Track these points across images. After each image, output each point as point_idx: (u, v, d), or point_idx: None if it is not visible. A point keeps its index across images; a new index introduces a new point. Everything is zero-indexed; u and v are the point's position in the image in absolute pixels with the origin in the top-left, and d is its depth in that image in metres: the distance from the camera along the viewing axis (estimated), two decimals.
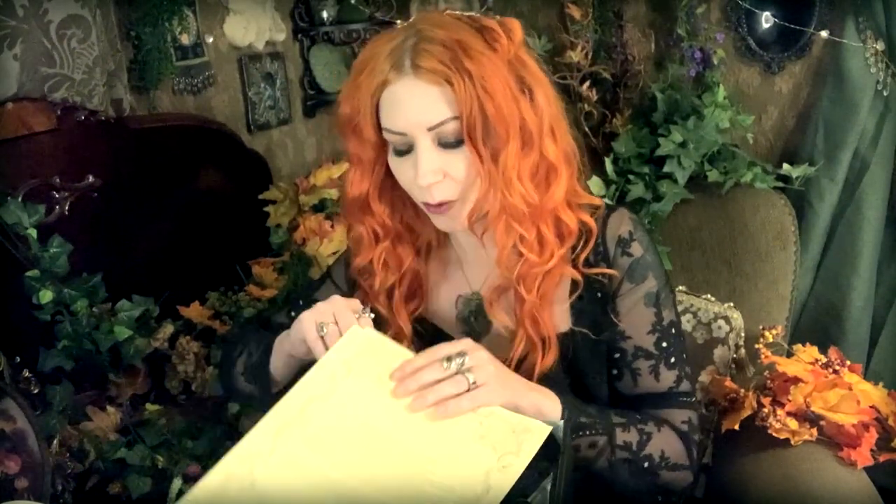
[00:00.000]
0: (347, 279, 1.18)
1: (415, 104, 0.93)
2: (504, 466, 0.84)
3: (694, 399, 1.08)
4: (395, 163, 0.99)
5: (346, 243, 1.20)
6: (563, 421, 0.91)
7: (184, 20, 1.67)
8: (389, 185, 1.03)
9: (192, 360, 1.41)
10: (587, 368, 1.06)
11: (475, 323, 1.09)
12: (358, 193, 1.03)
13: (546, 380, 1.01)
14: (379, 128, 0.97)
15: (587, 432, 0.97)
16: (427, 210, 1.01)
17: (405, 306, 1.09)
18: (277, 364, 1.08)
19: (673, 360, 1.05)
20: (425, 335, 1.09)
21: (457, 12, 1.00)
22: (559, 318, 1.05)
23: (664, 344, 1.05)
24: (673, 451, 1.03)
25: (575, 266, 1.03)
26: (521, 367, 1.02)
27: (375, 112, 0.96)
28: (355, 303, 0.99)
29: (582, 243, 1.04)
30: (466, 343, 0.93)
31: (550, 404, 0.95)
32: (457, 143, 0.94)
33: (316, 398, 0.89)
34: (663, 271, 1.07)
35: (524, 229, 0.98)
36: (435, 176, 0.95)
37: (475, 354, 0.91)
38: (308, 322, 0.97)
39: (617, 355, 1.06)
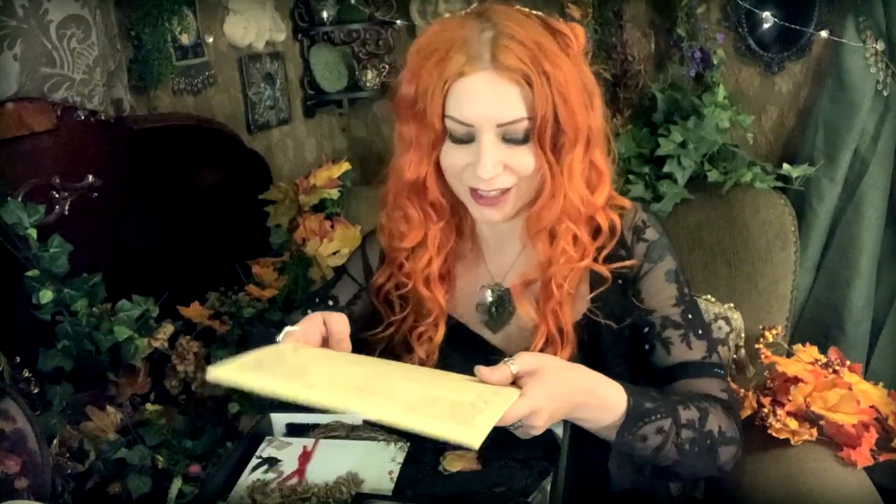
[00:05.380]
0: (365, 270, 1.19)
1: (489, 99, 0.93)
2: (486, 401, 0.82)
3: (724, 372, 1.08)
4: (449, 147, 0.99)
5: (345, 242, 1.21)
6: (563, 422, 0.91)
7: (184, 20, 1.66)
8: (441, 168, 1.03)
9: (192, 360, 1.41)
10: (608, 358, 1.06)
11: (496, 313, 1.10)
12: (415, 176, 1.03)
13: None
14: (443, 115, 0.97)
15: (653, 417, 0.94)
16: (473, 200, 1.01)
17: (441, 286, 1.10)
18: None
19: (700, 331, 1.06)
20: (445, 328, 1.10)
21: (525, 9, 1.00)
22: (576, 309, 1.06)
23: (690, 316, 1.06)
24: (727, 425, 1.02)
25: (596, 261, 1.05)
26: None
27: (443, 100, 0.96)
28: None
29: (606, 240, 1.06)
30: (530, 405, 0.85)
31: (615, 396, 0.93)
32: (522, 141, 0.96)
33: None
34: (678, 254, 1.10)
35: (577, 228, 1.01)
36: (496, 169, 0.96)
37: (533, 416, 0.85)
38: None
39: (646, 329, 1.07)
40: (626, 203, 1.09)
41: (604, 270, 1.05)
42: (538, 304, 1.05)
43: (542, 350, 1.03)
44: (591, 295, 1.06)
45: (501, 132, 0.95)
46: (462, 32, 0.94)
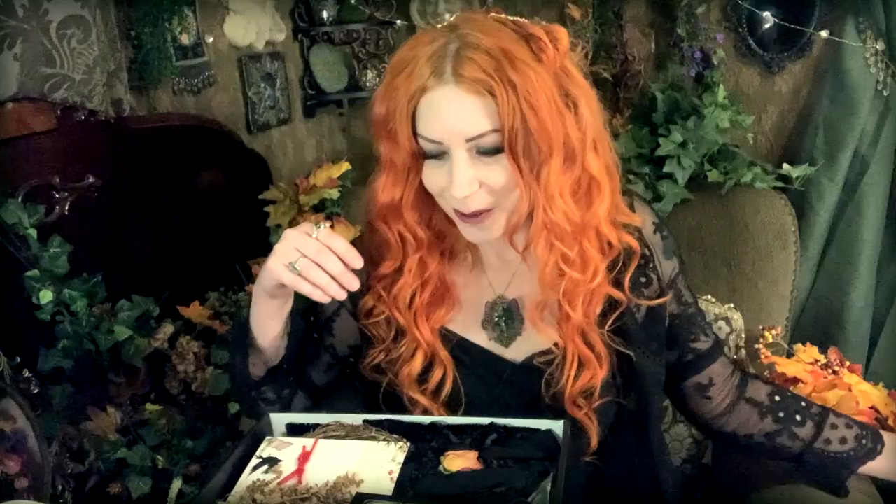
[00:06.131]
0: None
1: (454, 114, 0.89)
2: None
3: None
4: (427, 167, 0.95)
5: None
6: (563, 421, 0.91)
7: (184, 20, 1.67)
8: (423, 192, 0.98)
9: (192, 360, 1.42)
10: (647, 375, 1.05)
11: (505, 326, 1.06)
12: (389, 199, 0.99)
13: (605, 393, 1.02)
14: (414, 133, 0.93)
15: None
16: (459, 219, 0.97)
17: (428, 313, 1.04)
18: (261, 317, 1.03)
19: (702, 316, 1.13)
20: (447, 344, 1.05)
21: (501, 16, 0.95)
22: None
23: (696, 306, 1.13)
24: None
25: (620, 286, 1.01)
26: (577, 382, 1.01)
27: (412, 117, 0.92)
28: (306, 226, 0.95)
29: (624, 262, 1.02)
30: None
31: None
32: (495, 152, 0.91)
33: None
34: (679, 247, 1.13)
35: (566, 247, 0.95)
36: (471, 187, 0.92)
37: None
38: (278, 268, 0.93)
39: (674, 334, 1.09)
40: (636, 219, 1.04)
41: (621, 296, 1.01)
42: (560, 326, 1.01)
43: (576, 374, 1.00)
44: (615, 323, 1.02)
45: (473, 146, 0.91)
46: (430, 47, 0.90)
